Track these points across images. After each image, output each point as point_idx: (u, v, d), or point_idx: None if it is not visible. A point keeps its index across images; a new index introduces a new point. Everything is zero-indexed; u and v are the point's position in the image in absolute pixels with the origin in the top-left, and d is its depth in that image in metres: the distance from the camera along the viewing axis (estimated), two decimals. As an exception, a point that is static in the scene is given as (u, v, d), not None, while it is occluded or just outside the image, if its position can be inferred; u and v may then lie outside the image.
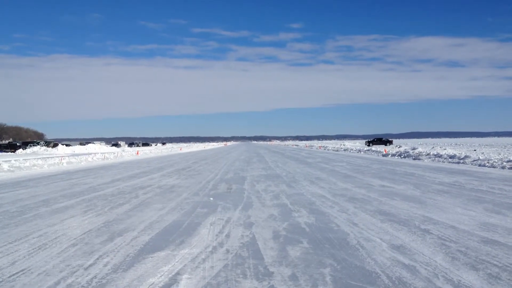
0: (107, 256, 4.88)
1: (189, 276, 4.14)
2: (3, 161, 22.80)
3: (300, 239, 5.58)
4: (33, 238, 5.88)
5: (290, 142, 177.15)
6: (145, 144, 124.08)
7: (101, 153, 41.67)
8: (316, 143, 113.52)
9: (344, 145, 69.07)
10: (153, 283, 3.97)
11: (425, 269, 4.25)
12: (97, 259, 4.77)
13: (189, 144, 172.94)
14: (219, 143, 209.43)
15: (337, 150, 46.49)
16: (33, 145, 65.55)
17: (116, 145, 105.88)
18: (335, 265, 4.44)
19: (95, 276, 4.17)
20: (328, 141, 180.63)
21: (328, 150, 50.18)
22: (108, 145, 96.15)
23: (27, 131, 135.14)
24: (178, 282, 3.97)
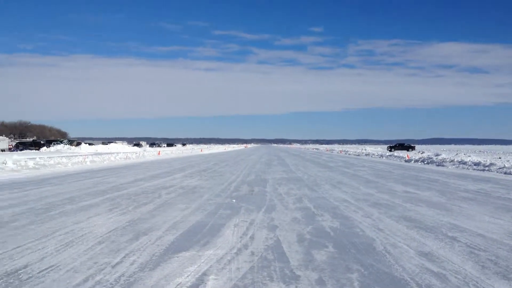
0: (134, 254, 4.92)
1: (215, 277, 4.13)
2: (28, 158, 23.26)
3: (325, 243, 5.54)
4: (60, 235, 5.96)
5: (310, 146, 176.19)
6: (170, 145, 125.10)
7: (123, 152, 42.17)
8: (336, 147, 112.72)
9: (365, 149, 68.46)
10: (180, 282, 3.98)
11: (455, 277, 4.16)
12: (124, 257, 4.80)
13: (209, 145, 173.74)
14: (239, 145, 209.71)
15: (358, 155, 46.11)
16: (57, 144, 66.83)
17: (138, 145, 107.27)
18: (362, 270, 4.39)
19: (122, 274, 4.20)
20: (348, 146, 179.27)
21: (349, 154, 49.80)
22: (130, 145, 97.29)
23: (50, 129, 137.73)
24: (205, 283, 3.97)
